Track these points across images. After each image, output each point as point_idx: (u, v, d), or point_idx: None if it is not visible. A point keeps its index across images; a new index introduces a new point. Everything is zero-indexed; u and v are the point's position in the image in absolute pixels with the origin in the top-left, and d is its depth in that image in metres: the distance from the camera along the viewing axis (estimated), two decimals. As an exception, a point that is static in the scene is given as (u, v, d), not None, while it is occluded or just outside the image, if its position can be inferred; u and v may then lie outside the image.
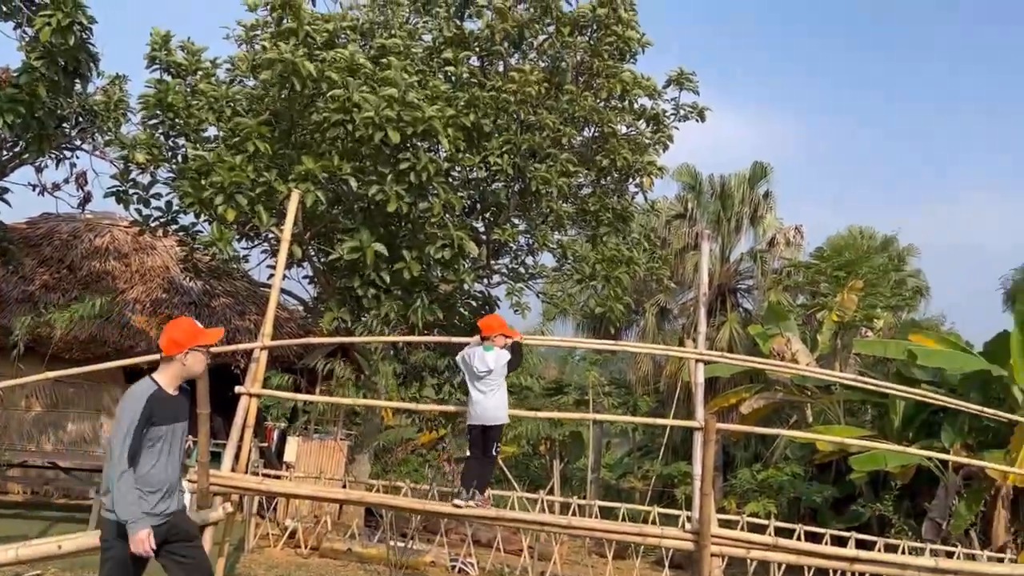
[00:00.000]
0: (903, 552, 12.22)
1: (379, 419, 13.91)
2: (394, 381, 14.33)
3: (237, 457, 7.51)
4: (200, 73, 11.97)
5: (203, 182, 10.48)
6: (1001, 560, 13.56)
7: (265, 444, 15.85)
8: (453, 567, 11.24)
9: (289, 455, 13.22)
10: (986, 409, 10.44)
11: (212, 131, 11.93)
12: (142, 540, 4.46)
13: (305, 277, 12.94)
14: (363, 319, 10.88)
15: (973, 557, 13.41)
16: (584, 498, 15.40)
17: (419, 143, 10.52)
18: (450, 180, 12.05)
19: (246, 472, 7.78)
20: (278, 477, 11.51)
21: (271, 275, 13.01)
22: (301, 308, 14.12)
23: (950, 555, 13.13)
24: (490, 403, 6.92)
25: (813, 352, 22.02)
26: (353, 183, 10.61)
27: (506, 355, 6.95)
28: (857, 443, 14.61)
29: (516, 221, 12.88)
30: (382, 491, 11.52)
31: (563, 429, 25.16)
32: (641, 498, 22.29)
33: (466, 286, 11.57)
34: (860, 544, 12.50)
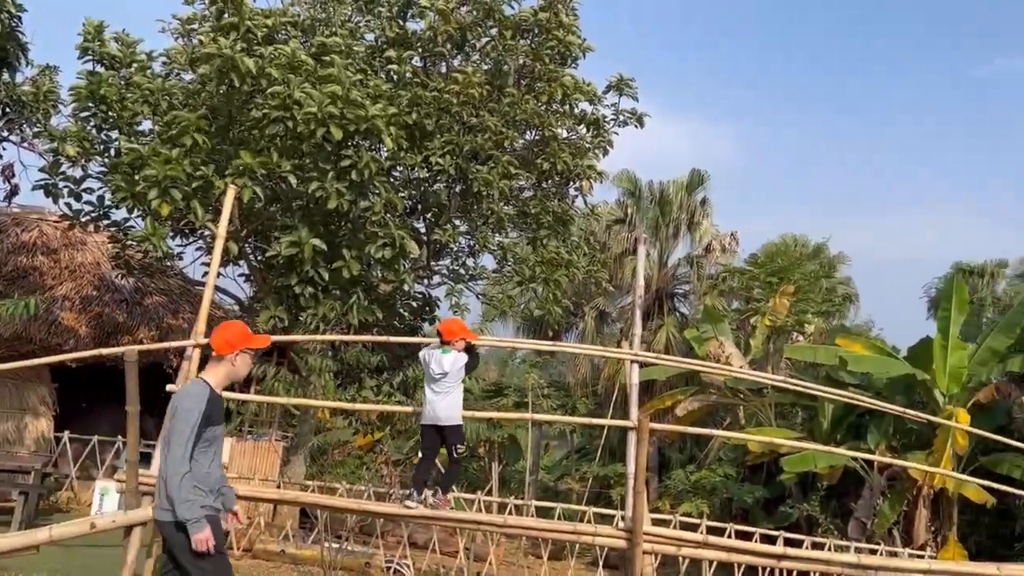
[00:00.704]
0: (829, 550, 12.57)
1: (315, 420, 13.76)
2: (332, 382, 14.20)
3: (168, 456, 7.36)
4: (135, 65, 11.70)
5: (136, 176, 10.24)
6: (921, 557, 14.06)
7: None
8: (388, 568, 11.20)
9: (223, 456, 12.99)
10: (909, 411, 10.85)
11: (147, 124, 11.67)
12: (205, 539, 4.55)
13: (241, 275, 12.76)
14: (300, 318, 10.76)
15: (895, 555, 13.89)
16: (522, 499, 15.49)
17: (361, 141, 10.47)
18: (392, 179, 12.03)
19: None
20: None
21: (206, 273, 12.79)
22: (237, 307, 13.89)
23: (873, 553, 13.60)
24: (442, 404, 6.97)
25: (746, 356, 22.52)
26: (293, 180, 10.49)
27: (463, 358, 7.02)
28: (787, 444, 15.01)
29: (457, 222, 12.89)
30: (317, 492, 11.43)
31: (502, 431, 25.25)
32: (578, 499, 22.49)
33: (406, 286, 11.51)
34: (788, 543, 12.88)
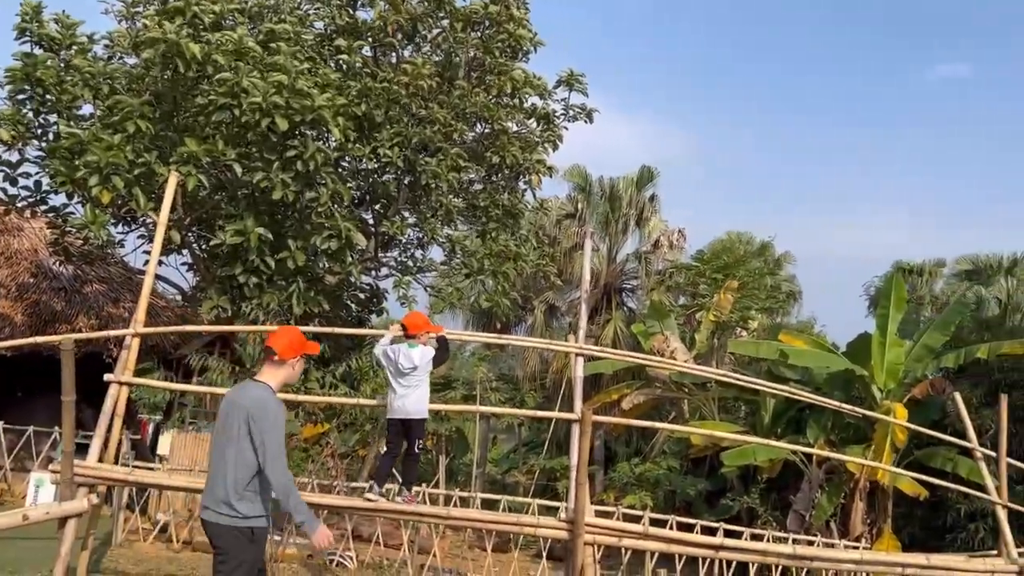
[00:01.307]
0: (767, 541, 12.84)
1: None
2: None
3: (105, 447, 7.23)
4: (75, 48, 11.40)
5: (76, 162, 10.00)
6: (857, 548, 14.44)
7: (138, 437, 15.29)
8: (331, 561, 11.14)
9: (163, 448, 12.80)
10: (846, 406, 11.14)
11: (88, 109, 11.39)
12: (326, 534, 4.71)
13: (184, 264, 12.54)
14: (243, 308, 10.63)
15: (832, 546, 14.23)
16: (469, 492, 15.51)
17: (308, 131, 10.37)
18: (340, 170, 11.92)
19: (115, 463, 7.51)
20: (150, 469, 11.13)
21: (147, 261, 12.56)
22: (179, 296, 13.66)
23: (810, 544, 13.93)
24: (412, 398, 6.94)
25: (691, 350, 22.84)
26: (238, 169, 10.34)
27: (431, 351, 7.00)
28: (729, 437, 15.30)
29: (406, 214, 12.85)
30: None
31: (449, 424, 25.22)
32: (525, 491, 22.62)
33: (353, 278, 11.44)
34: (728, 534, 13.11)
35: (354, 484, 14.32)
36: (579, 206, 28.72)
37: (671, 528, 12.54)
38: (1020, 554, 8.13)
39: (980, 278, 32.51)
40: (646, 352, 20.99)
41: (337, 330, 9.26)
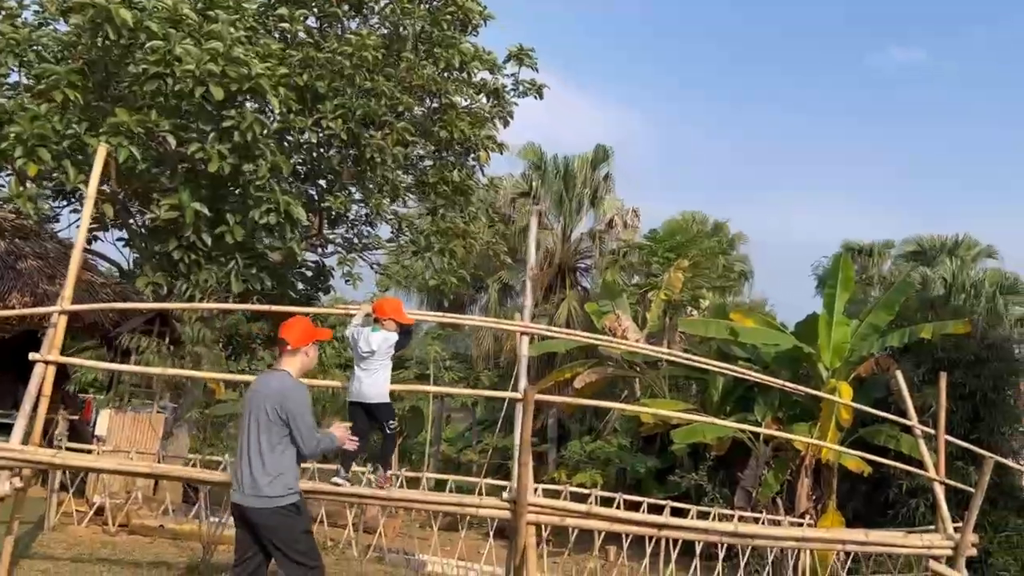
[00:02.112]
0: (714, 519, 12.90)
1: (200, 392, 13.28)
2: (220, 352, 13.73)
3: (30, 429, 6.93)
4: (3, 13, 10.90)
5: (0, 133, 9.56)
6: (801, 524, 14.62)
7: (76, 417, 14.85)
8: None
9: (100, 428, 12.43)
10: (789, 384, 11.20)
11: (14, 77, 10.90)
12: (344, 435, 5.46)
13: (120, 240, 12.12)
14: (178, 285, 10.29)
15: (777, 523, 14.39)
16: (416, 471, 15.37)
17: (246, 102, 10.03)
18: (285, 143, 11.58)
19: (47, 445, 7.22)
20: (85, 451, 10.78)
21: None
22: (117, 273, 13.23)
23: (756, 521, 14.06)
24: (368, 382, 6.84)
25: (643, 329, 22.91)
26: (172, 140, 9.98)
27: (393, 337, 6.87)
28: (677, 416, 15.35)
29: (353, 190, 12.56)
30: (199, 465, 11.03)
31: (403, 403, 25.05)
32: (479, 470, 22.59)
33: (297, 255, 11.13)
34: (676, 512, 13.17)
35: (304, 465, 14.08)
36: (533, 184, 28.57)
37: (618, 506, 12.52)
38: (956, 529, 8.20)
39: (925, 259, 33.20)
40: (599, 331, 21.04)
41: (275, 308, 8.98)
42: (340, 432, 5.44)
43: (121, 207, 11.15)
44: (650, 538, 11.79)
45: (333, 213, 12.69)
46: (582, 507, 8.00)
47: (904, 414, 9.60)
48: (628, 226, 28.65)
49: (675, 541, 12.36)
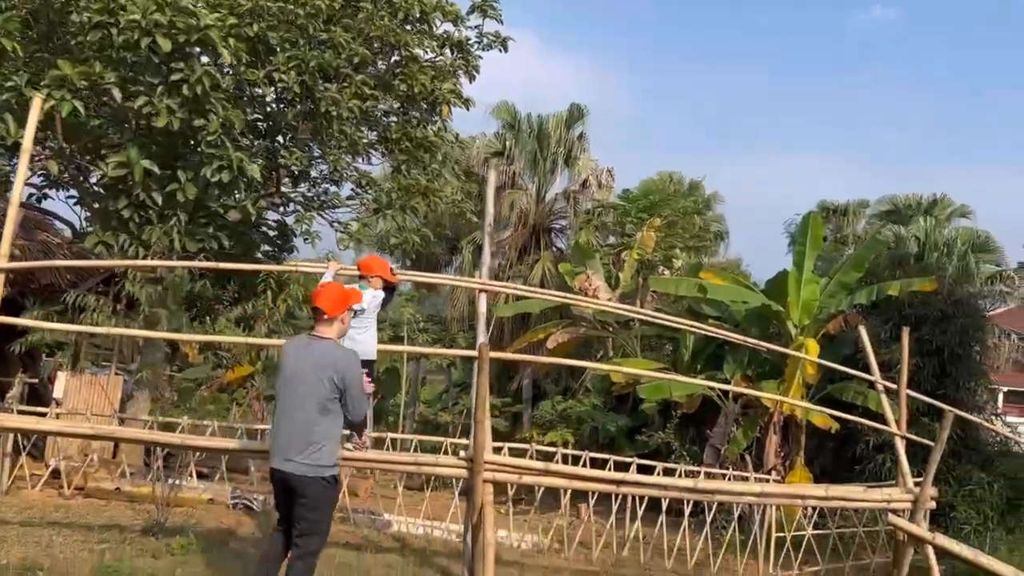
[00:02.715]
0: (680, 475, 12.94)
1: (160, 355, 13.06)
2: (183, 313, 13.47)
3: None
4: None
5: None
6: (768, 480, 14.71)
7: (36, 380, 14.62)
8: (235, 504, 10.81)
9: (57, 391, 12.22)
10: (751, 340, 11.17)
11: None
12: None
13: (71, 198, 11.78)
14: (122, 242, 9.99)
15: (745, 479, 14.45)
16: (382, 432, 15.28)
17: (195, 54, 9.67)
18: (240, 98, 11.22)
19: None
20: (39, 415, 10.59)
21: (32, 195, 11.80)
22: (69, 233, 12.90)
23: (724, 477, 14.11)
24: (360, 339, 6.79)
25: (616, 290, 22.84)
26: (117, 94, 9.64)
27: (381, 295, 6.98)
28: (646, 374, 15.31)
29: (312, 146, 12.25)
30: (157, 428, 10.88)
31: (379, 365, 24.87)
32: (455, 431, 22.58)
33: (251, 213, 10.82)
34: (642, 469, 13.18)
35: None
36: (507, 144, 28.20)
37: (584, 464, 12.50)
38: (916, 483, 8.22)
39: (900, 218, 33.28)
40: (572, 292, 20.95)
41: (223, 265, 8.77)
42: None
43: (69, 164, 10.79)
44: (616, 495, 11.78)
45: (294, 171, 12.37)
46: (539, 464, 7.95)
47: (869, 370, 9.60)
48: (603, 186, 28.44)
49: (641, 498, 12.36)
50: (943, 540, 7.90)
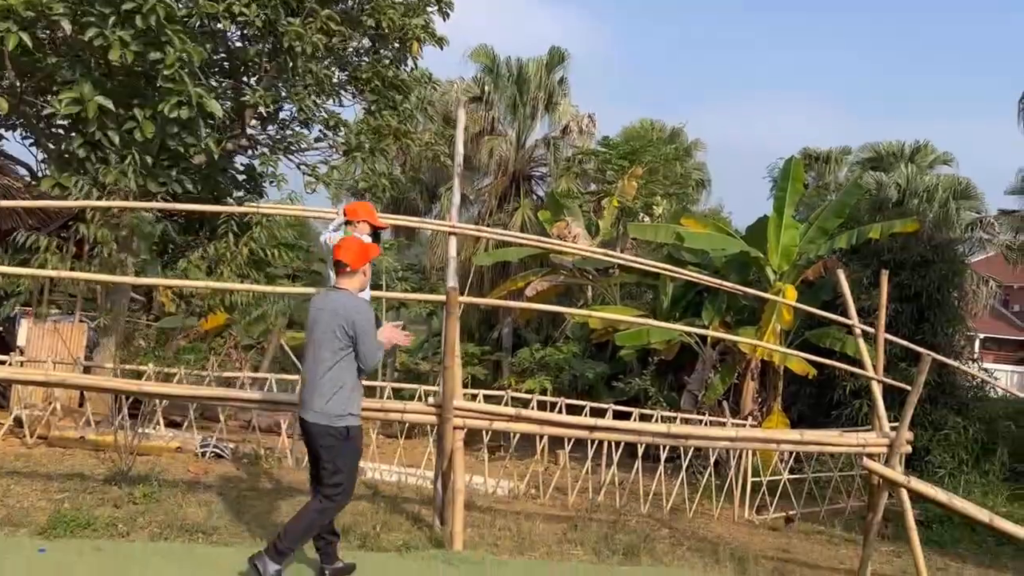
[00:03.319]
0: (656, 421, 12.86)
1: (126, 300, 12.72)
2: (156, 260, 13.13)
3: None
4: None
5: None
6: (744, 425, 14.70)
7: (0, 328, 14.29)
8: (204, 452, 10.62)
9: (21, 339, 11.92)
10: (726, 284, 10.99)
11: None
12: (393, 334, 5.60)
13: (26, 138, 11.29)
14: (75, 183, 9.59)
15: (722, 424, 14.44)
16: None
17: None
18: (202, 33, 10.72)
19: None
20: (2, 363, 10.31)
21: (-15, 135, 11.33)
22: (27, 175, 12.45)
23: (700, 423, 14.07)
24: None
25: (596, 237, 22.64)
26: (66, 25, 9.15)
27: (367, 240, 6.57)
28: (623, 319, 15.18)
29: (280, 86, 11.77)
30: (122, 375, 10.62)
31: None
32: (434, 379, 22.47)
33: (214, 153, 10.37)
34: (621, 416, 13.12)
35: (256, 375, 13.71)
36: (486, 89, 27.66)
37: (560, 410, 12.40)
38: (893, 428, 8.12)
39: (883, 165, 33.14)
40: (551, 239, 20.73)
41: (177, 206, 8.44)
42: (388, 333, 5.58)
43: (21, 103, 10.31)
44: (591, 442, 11.70)
45: (262, 112, 11.90)
46: (509, 411, 7.79)
47: (847, 315, 9.45)
48: (584, 132, 28.05)
49: (617, 444, 12.29)
50: (918, 484, 7.83)
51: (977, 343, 40.70)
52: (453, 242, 8.29)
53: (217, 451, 10.77)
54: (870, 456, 8.03)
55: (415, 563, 6.17)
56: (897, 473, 7.74)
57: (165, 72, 9.07)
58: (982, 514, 7.61)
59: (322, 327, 5.26)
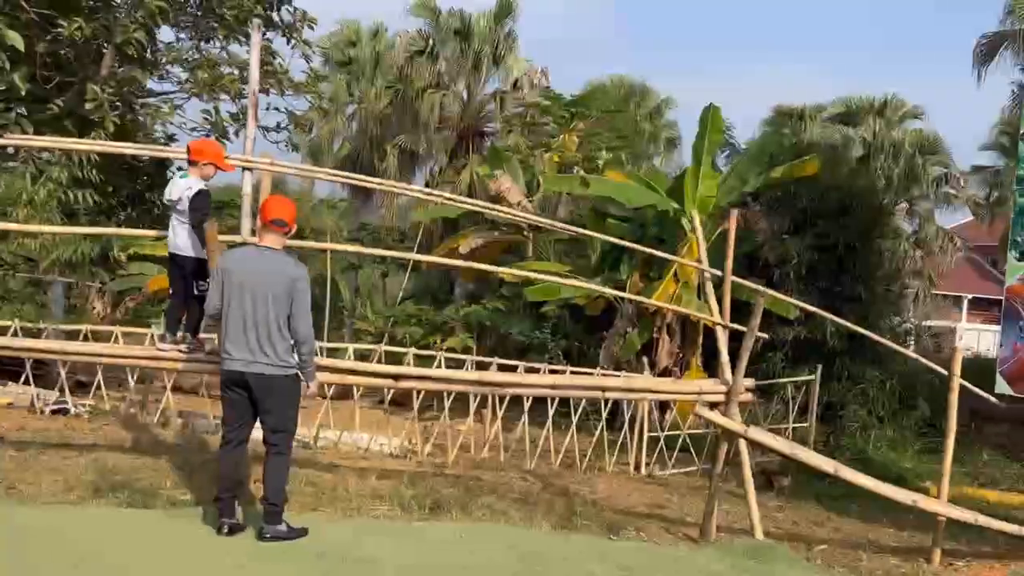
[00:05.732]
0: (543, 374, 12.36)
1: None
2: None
3: None
4: None
5: None
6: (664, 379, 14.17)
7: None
8: (53, 410, 10.17)
9: None
10: (637, 246, 10.67)
11: None
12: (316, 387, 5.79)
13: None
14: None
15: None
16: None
17: None
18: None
19: None
20: None
21: None
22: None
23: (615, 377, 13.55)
24: (180, 231, 6.34)
25: (537, 193, 22.05)
26: None
27: (197, 189, 6.26)
28: (537, 276, 14.80)
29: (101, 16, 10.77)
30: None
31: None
32: (391, 340, 21.98)
33: (20, 88, 9.70)
34: (503, 368, 12.60)
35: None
36: (430, 42, 26.85)
37: (438, 366, 11.85)
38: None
39: (854, 120, 32.27)
40: (488, 197, 20.15)
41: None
42: (316, 384, 5.83)
43: None
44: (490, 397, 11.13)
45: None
46: (348, 364, 7.37)
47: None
48: (535, 86, 27.26)
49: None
50: (756, 433, 7.45)
51: (964, 304, 40.12)
52: (247, 178, 7.66)
53: (61, 407, 10.34)
54: (712, 405, 7.64)
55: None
56: (734, 422, 7.34)
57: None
58: (827, 464, 7.23)
59: (263, 285, 5.28)
